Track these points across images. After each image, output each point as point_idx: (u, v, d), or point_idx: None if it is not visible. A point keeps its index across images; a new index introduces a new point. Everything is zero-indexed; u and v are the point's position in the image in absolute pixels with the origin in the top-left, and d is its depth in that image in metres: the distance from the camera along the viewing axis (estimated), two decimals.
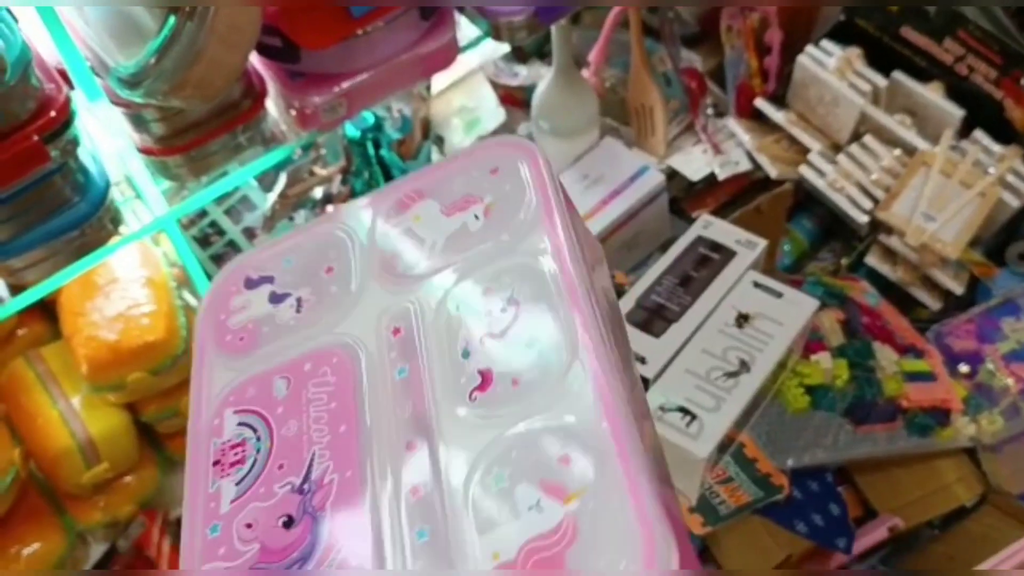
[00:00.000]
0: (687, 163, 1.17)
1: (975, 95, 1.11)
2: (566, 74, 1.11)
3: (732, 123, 1.18)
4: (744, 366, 0.85)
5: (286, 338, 0.47)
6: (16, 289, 0.81)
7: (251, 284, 0.50)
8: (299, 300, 0.49)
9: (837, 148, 1.15)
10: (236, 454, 0.43)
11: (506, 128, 1.27)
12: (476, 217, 0.48)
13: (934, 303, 1.10)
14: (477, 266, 0.46)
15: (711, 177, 1.16)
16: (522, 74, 1.30)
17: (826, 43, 1.15)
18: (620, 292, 0.95)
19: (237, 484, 0.42)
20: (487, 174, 0.49)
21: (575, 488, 0.37)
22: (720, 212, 1.17)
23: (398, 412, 0.42)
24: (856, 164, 1.12)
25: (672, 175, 1.18)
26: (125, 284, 0.96)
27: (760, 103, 1.18)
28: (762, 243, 0.95)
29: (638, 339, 0.86)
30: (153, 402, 1.00)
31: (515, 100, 1.29)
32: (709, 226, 0.97)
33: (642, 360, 0.85)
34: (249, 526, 0.41)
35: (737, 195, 1.20)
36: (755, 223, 1.04)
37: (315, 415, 0.43)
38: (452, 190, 0.50)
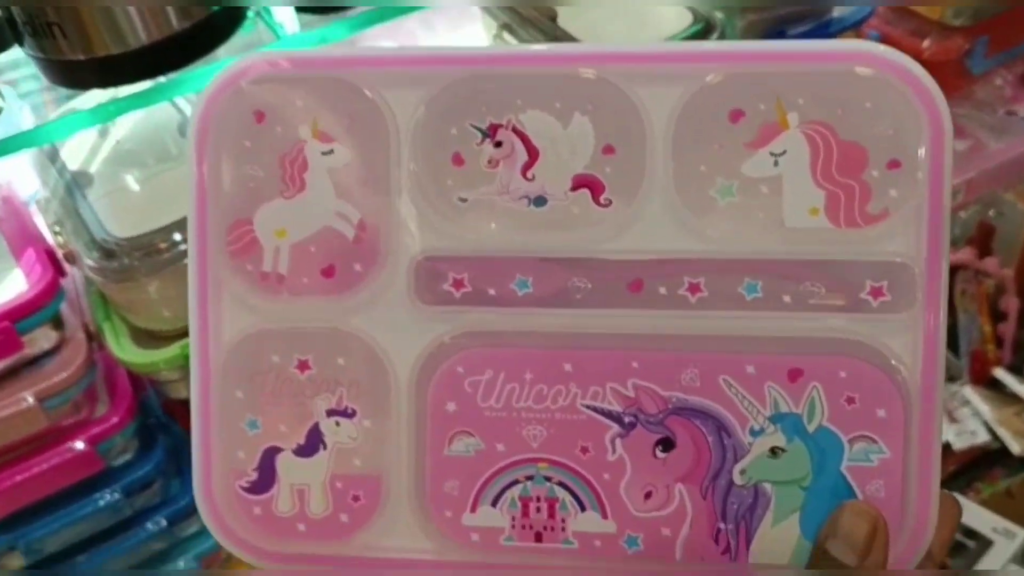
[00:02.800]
0: None
1: None
2: None
3: (968, 391, 1.14)
4: None
5: None
6: None
7: None
8: None
9: None
10: None
11: None
12: None
13: None
14: None
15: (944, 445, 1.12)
16: None
17: None
18: None
19: None
20: None
21: None
22: (950, 482, 1.12)
23: None
24: None
25: None
26: None
27: (1000, 373, 1.14)
28: (1022, 533, 0.89)
29: None
30: None
31: None
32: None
33: None
34: None
35: (968, 465, 1.14)
36: (1005, 506, 0.98)
37: None
38: None
